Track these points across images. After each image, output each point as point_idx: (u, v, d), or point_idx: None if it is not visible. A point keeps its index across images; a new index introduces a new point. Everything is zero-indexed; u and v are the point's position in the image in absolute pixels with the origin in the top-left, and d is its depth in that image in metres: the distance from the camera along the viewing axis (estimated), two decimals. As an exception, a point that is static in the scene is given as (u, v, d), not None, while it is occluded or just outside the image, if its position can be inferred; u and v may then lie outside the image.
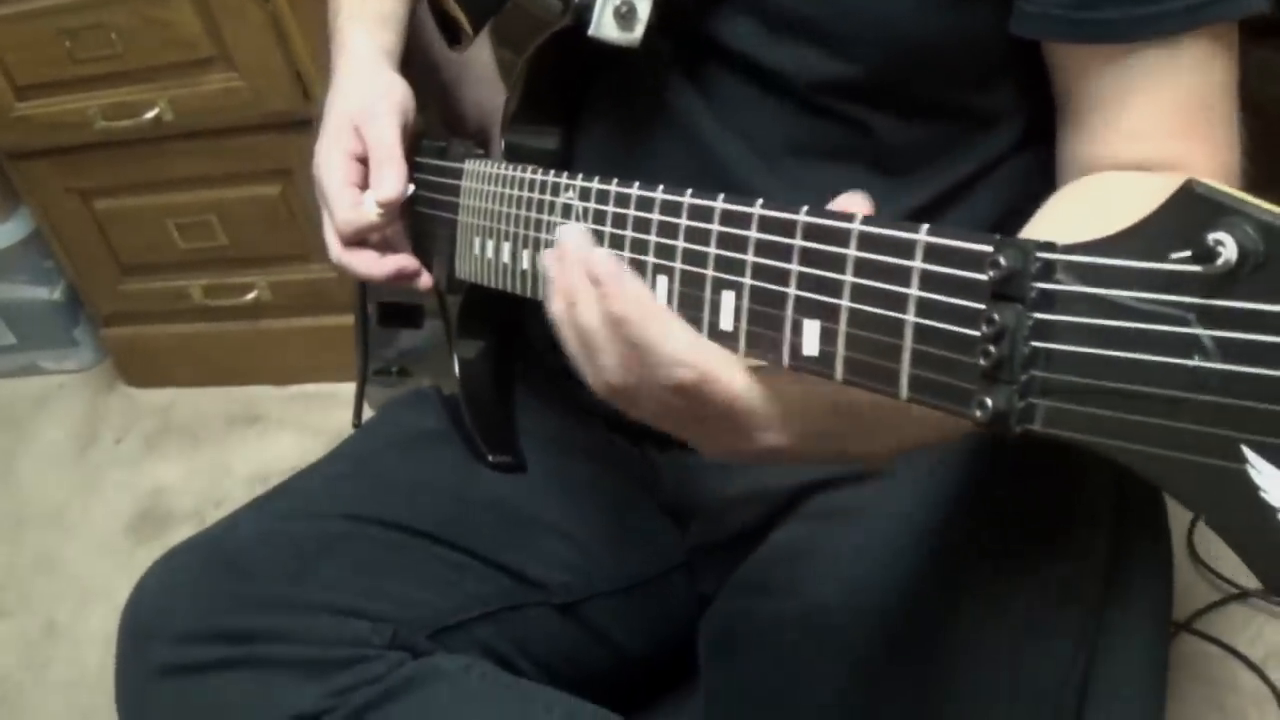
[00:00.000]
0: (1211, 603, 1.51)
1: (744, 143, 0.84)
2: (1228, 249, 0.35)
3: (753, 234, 0.55)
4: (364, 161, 0.94)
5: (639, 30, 0.80)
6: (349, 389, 2.15)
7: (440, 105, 1.03)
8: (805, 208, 0.52)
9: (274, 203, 2.00)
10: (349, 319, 2.11)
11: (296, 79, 1.84)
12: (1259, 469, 0.35)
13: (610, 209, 0.69)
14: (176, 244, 2.09)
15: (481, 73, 0.98)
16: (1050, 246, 0.40)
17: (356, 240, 0.94)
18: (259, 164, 1.96)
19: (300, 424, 2.15)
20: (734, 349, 0.56)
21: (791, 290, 0.52)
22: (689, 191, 0.61)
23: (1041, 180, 0.81)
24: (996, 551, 0.81)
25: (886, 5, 0.76)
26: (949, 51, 0.79)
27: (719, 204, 0.58)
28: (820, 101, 0.81)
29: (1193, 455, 0.36)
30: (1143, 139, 0.77)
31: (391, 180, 0.91)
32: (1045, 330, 0.40)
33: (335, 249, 0.95)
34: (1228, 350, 0.35)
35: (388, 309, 1.16)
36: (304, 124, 1.89)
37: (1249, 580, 1.57)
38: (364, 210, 0.92)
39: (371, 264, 0.94)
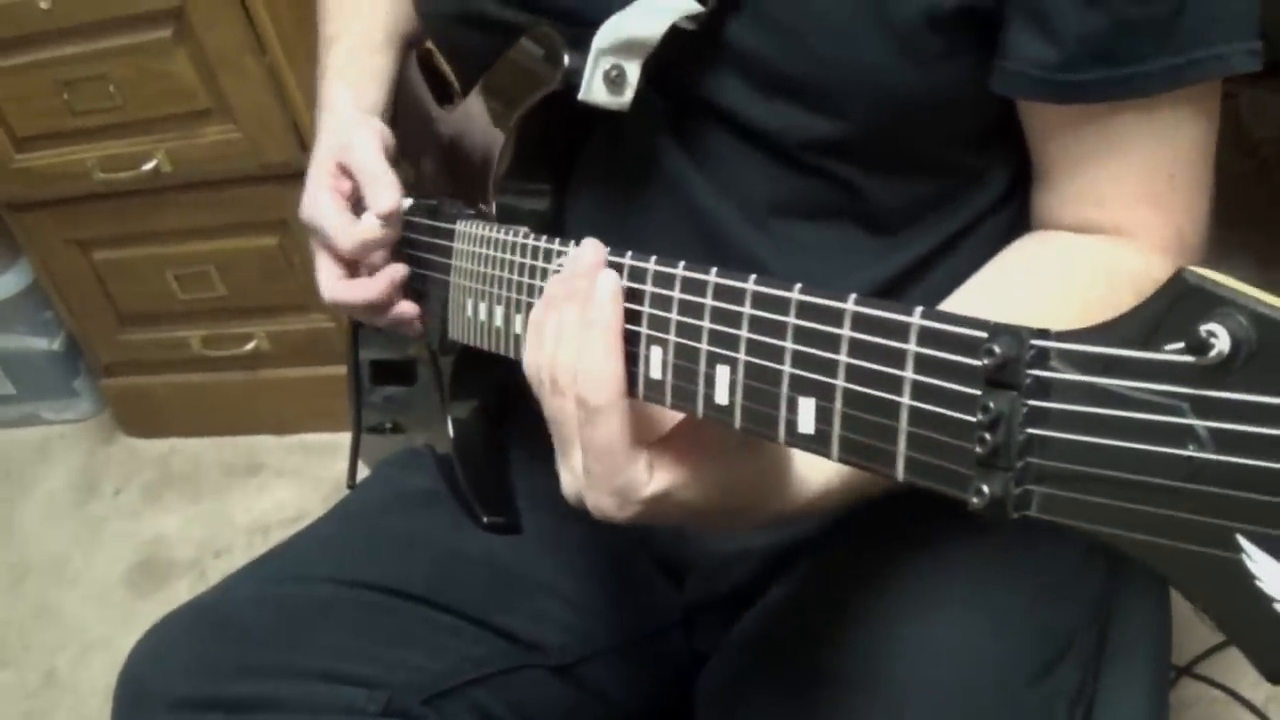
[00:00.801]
0: (1212, 646, 1.50)
1: (734, 202, 0.84)
2: (1220, 340, 0.35)
3: (747, 310, 0.55)
4: (350, 196, 0.94)
5: (629, 95, 0.80)
6: (349, 438, 2.17)
7: (432, 164, 1.04)
8: (798, 285, 0.52)
9: (272, 253, 2.01)
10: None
11: (294, 130, 1.85)
12: (1254, 558, 0.35)
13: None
14: (175, 294, 2.09)
15: (472, 131, 0.98)
16: (1044, 334, 0.40)
17: (361, 258, 0.94)
18: (257, 215, 1.97)
19: (300, 474, 2.15)
20: (730, 423, 0.56)
21: (787, 368, 0.52)
22: (681, 264, 0.60)
23: (1025, 234, 0.82)
24: (994, 605, 0.81)
25: (871, 64, 0.76)
26: (933, 109, 0.79)
27: (712, 278, 0.58)
28: (808, 160, 0.81)
29: (1188, 544, 0.36)
30: (1100, 203, 0.78)
31: (385, 192, 0.91)
32: (1040, 417, 0.40)
33: (329, 285, 0.95)
34: (1222, 441, 0.35)
35: (380, 366, 1.16)
36: (301, 176, 1.88)
37: (1252, 623, 1.56)
38: (365, 225, 0.92)
39: (364, 287, 0.94)
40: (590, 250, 0.62)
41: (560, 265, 0.73)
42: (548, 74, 0.83)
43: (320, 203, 0.94)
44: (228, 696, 0.84)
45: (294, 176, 1.89)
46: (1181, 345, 0.36)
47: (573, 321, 0.61)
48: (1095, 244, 0.78)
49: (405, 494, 0.99)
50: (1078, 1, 0.71)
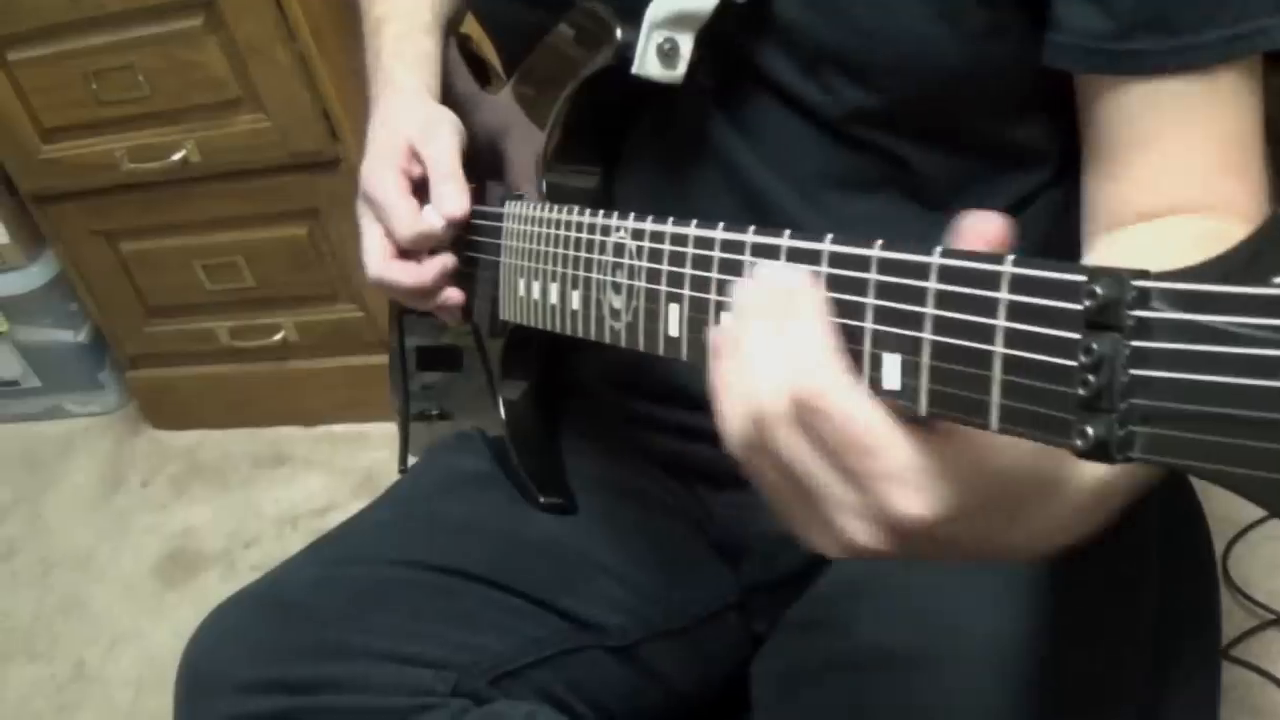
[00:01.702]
0: (1249, 629, 1.50)
1: (782, 176, 0.84)
2: (1328, 275, 0.35)
3: (823, 270, 0.55)
4: (415, 181, 0.94)
5: (682, 68, 0.80)
6: (377, 429, 2.18)
7: (477, 146, 1.04)
8: (879, 241, 0.52)
9: (301, 243, 2.02)
10: (376, 359, 2.13)
11: (324, 119, 1.86)
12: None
13: (667, 248, 0.69)
14: (203, 285, 2.10)
15: (519, 111, 0.98)
16: (1144, 274, 0.40)
17: (412, 250, 0.94)
18: (286, 204, 1.98)
19: (328, 464, 2.15)
20: None
21: (868, 325, 0.52)
22: (751, 229, 0.61)
23: (1077, 216, 0.82)
24: (1061, 584, 0.80)
25: (916, 35, 0.76)
26: (979, 82, 0.79)
27: (785, 241, 0.58)
28: (855, 133, 0.82)
29: (1300, 482, 0.36)
30: (1178, 178, 0.76)
31: (456, 195, 0.91)
32: (1143, 358, 0.40)
33: (377, 263, 0.94)
34: (1334, 375, 0.35)
35: (426, 352, 1.16)
36: (331, 164, 1.91)
37: (1285, 606, 1.56)
38: (429, 218, 0.91)
39: (414, 272, 0.93)
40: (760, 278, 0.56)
41: (621, 238, 0.73)
42: (599, 49, 0.83)
43: (386, 180, 0.93)
44: (294, 678, 0.84)
45: (324, 165, 1.92)
46: (1290, 279, 0.36)
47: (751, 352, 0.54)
48: (1191, 221, 0.75)
49: (459, 476, 0.99)
50: None
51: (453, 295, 0.95)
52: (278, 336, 2.13)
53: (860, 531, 0.52)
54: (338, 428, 2.22)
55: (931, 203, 0.84)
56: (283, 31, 1.77)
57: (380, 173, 0.93)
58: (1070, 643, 0.79)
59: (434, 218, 0.91)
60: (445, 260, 0.94)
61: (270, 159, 1.91)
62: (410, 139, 0.94)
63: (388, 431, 2.18)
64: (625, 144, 0.90)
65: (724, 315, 0.61)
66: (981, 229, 0.49)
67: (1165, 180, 0.77)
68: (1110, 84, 0.76)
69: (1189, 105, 0.75)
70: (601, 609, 0.93)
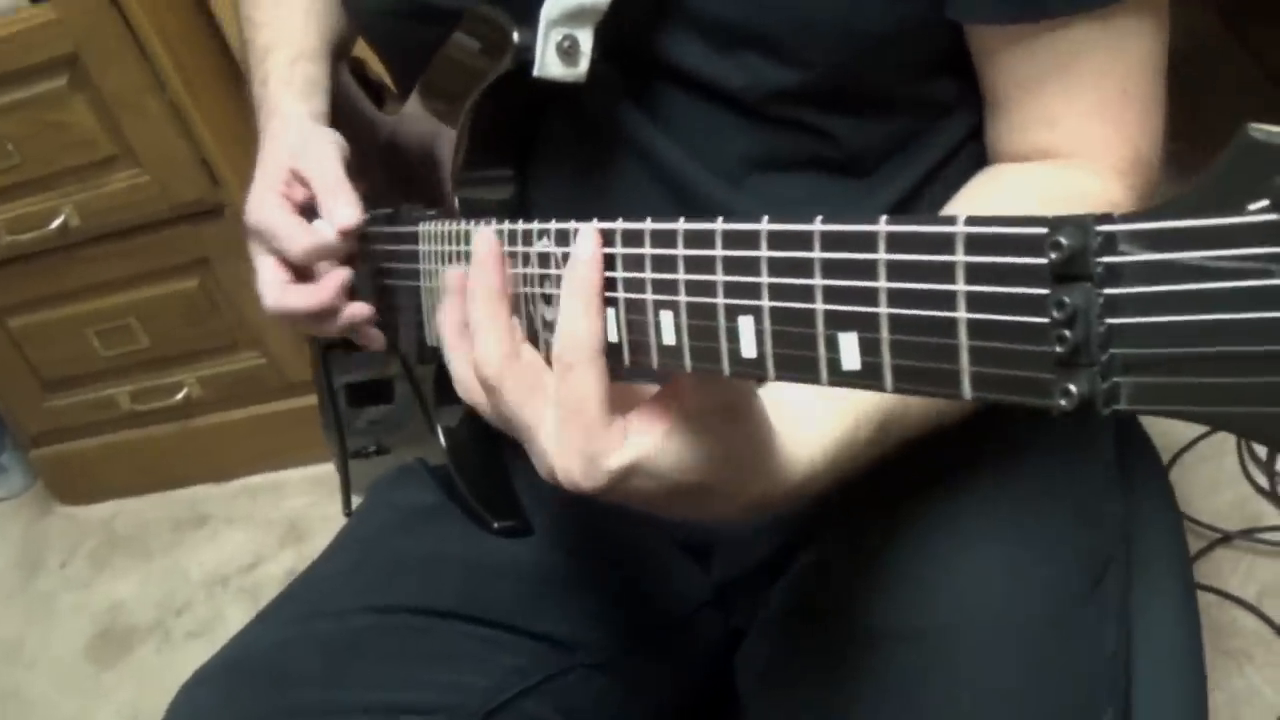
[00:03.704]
0: (1197, 551, 1.52)
1: (705, 163, 0.83)
2: (1309, 192, 0.34)
3: (763, 253, 0.53)
4: (300, 204, 0.91)
5: (584, 64, 0.78)
6: (295, 475, 2.14)
7: (381, 171, 1.01)
8: (819, 217, 0.50)
9: (194, 295, 1.97)
10: (284, 405, 2.10)
11: (203, 166, 1.82)
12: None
13: (594, 249, 0.67)
14: (98, 352, 2.04)
15: (422, 129, 0.96)
16: (1108, 218, 0.39)
17: (312, 264, 0.91)
18: (174, 258, 1.93)
19: (249, 518, 2.11)
20: (763, 375, 0.54)
21: (819, 305, 0.50)
22: (681, 219, 0.59)
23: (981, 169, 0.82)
24: (1032, 532, 0.80)
25: (834, 4, 0.75)
26: (896, 44, 0.78)
27: (719, 226, 0.56)
28: (777, 112, 0.80)
29: (1298, 411, 0.35)
30: (1053, 123, 0.77)
31: (345, 207, 0.88)
32: (1117, 305, 0.39)
33: (274, 293, 0.91)
34: (1320, 295, 0.34)
35: (356, 389, 1.12)
36: (216, 211, 1.87)
37: (1228, 523, 1.59)
38: (319, 231, 0.88)
39: (312, 294, 0.90)
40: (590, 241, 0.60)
41: (545, 245, 0.71)
42: (497, 55, 0.80)
43: (269, 204, 0.90)
44: None
45: (208, 213, 1.87)
46: (1267, 203, 0.35)
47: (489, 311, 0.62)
48: (1046, 171, 0.77)
49: (409, 512, 0.96)
50: None
51: (358, 310, 0.92)
52: (180, 395, 2.08)
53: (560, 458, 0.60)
54: (253, 479, 2.18)
55: (860, 172, 0.83)
56: (151, 81, 1.73)
57: (262, 202, 0.91)
58: (1065, 581, 0.79)
59: (323, 226, 0.88)
60: (341, 274, 0.91)
61: (152, 213, 1.87)
62: (287, 163, 0.92)
63: (306, 477, 2.14)
64: (536, 149, 0.88)
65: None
66: None
67: (1038, 124, 0.78)
68: (1004, 31, 0.76)
69: (1075, 49, 0.75)
70: (577, 626, 0.91)
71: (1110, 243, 0.39)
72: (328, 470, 2.12)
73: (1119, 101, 0.76)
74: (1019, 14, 0.74)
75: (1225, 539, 1.58)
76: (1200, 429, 1.71)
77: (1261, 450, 1.67)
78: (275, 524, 2.07)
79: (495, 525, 0.93)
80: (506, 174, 0.89)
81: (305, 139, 0.93)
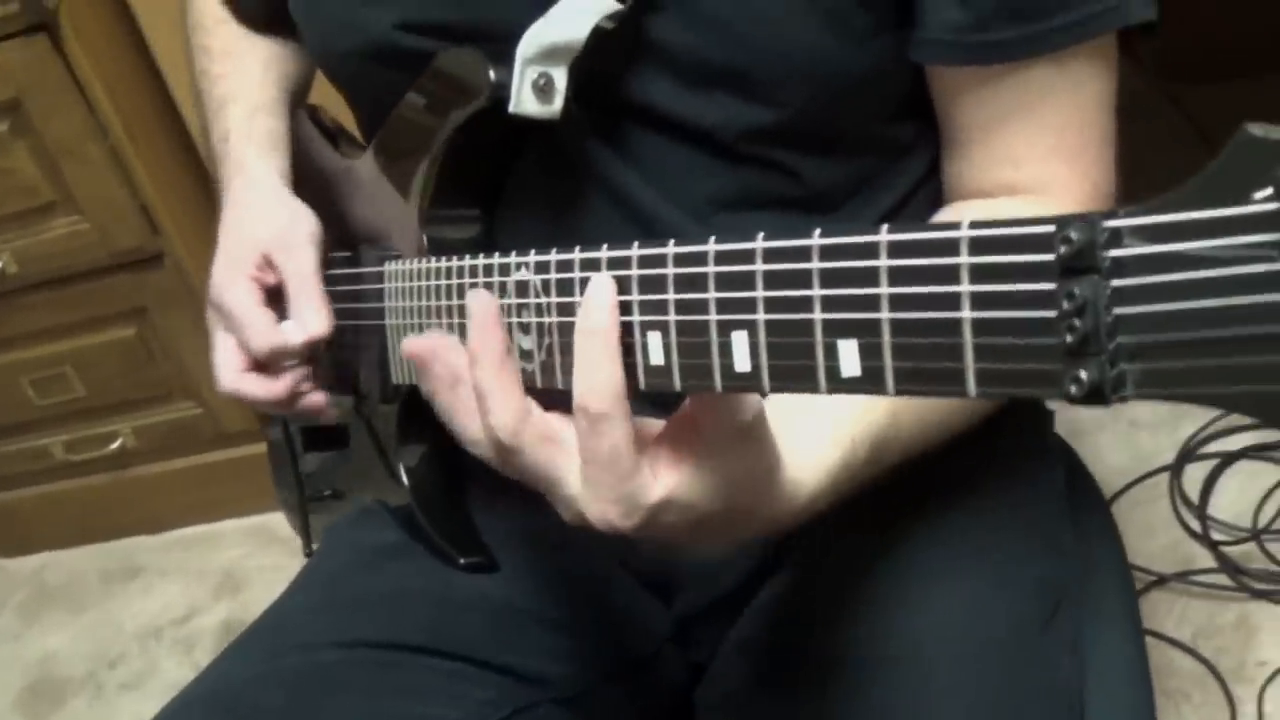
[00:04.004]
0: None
1: (675, 202, 0.84)
2: (1307, 181, 0.36)
3: (759, 267, 0.55)
4: (269, 290, 0.92)
5: (559, 102, 0.80)
6: (229, 527, 2.12)
7: (342, 216, 1.02)
8: (818, 230, 0.52)
9: (131, 344, 1.95)
10: (219, 455, 2.08)
11: (143, 214, 1.81)
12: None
13: (577, 276, 0.68)
14: (32, 401, 2.02)
15: (375, 177, 0.97)
16: (1113, 214, 0.41)
17: (268, 365, 0.91)
18: (112, 307, 1.92)
19: (183, 570, 2.09)
20: (758, 388, 0.55)
21: (818, 315, 0.52)
22: (671, 242, 0.60)
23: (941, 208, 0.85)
24: (993, 561, 0.82)
25: (806, 46, 0.78)
26: (866, 86, 0.81)
27: (711, 247, 0.57)
28: (745, 150, 0.82)
29: (1301, 385, 0.37)
30: (1017, 162, 0.81)
31: (317, 315, 0.89)
32: (1124, 295, 0.41)
33: (231, 376, 0.91)
34: (1321, 279, 0.36)
35: (312, 433, 1.12)
36: (155, 260, 1.86)
37: (1162, 565, 1.62)
38: (287, 333, 0.89)
39: (269, 386, 0.91)
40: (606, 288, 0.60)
41: (524, 275, 0.72)
42: (472, 91, 0.82)
43: (239, 288, 0.90)
44: None
45: (147, 261, 1.86)
46: (1270, 192, 0.37)
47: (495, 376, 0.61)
48: (1014, 205, 0.80)
49: (372, 550, 0.96)
50: None
51: (314, 401, 0.93)
52: (115, 445, 2.06)
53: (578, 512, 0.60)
54: (188, 531, 2.16)
55: (824, 209, 0.85)
56: (93, 128, 1.73)
57: (232, 282, 0.91)
58: (1025, 609, 0.81)
59: (293, 333, 0.89)
60: (300, 373, 0.91)
61: (91, 261, 1.85)
62: (265, 248, 0.91)
63: (241, 528, 2.12)
64: (506, 187, 0.89)
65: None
66: None
67: (1001, 163, 0.81)
68: (966, 74, 0.79)
69: (1035, 91, 0.78)
70: (543, 661, 0.91)
71: (1116, 237, 0.41)
72: (263, 521, 2.11)
73: (1077, 141, 0.80)
74: (978, 57, 0.77)
75: (1160, 581, 1.61)
76: (1132, 475, 1.75)
77: (1194, 494, 1.71)
78: (209, 575, 2.05)
79: (462, 561, 0.93)
80: (475, 212, 0.90)
81: (286, 227, 0.93)
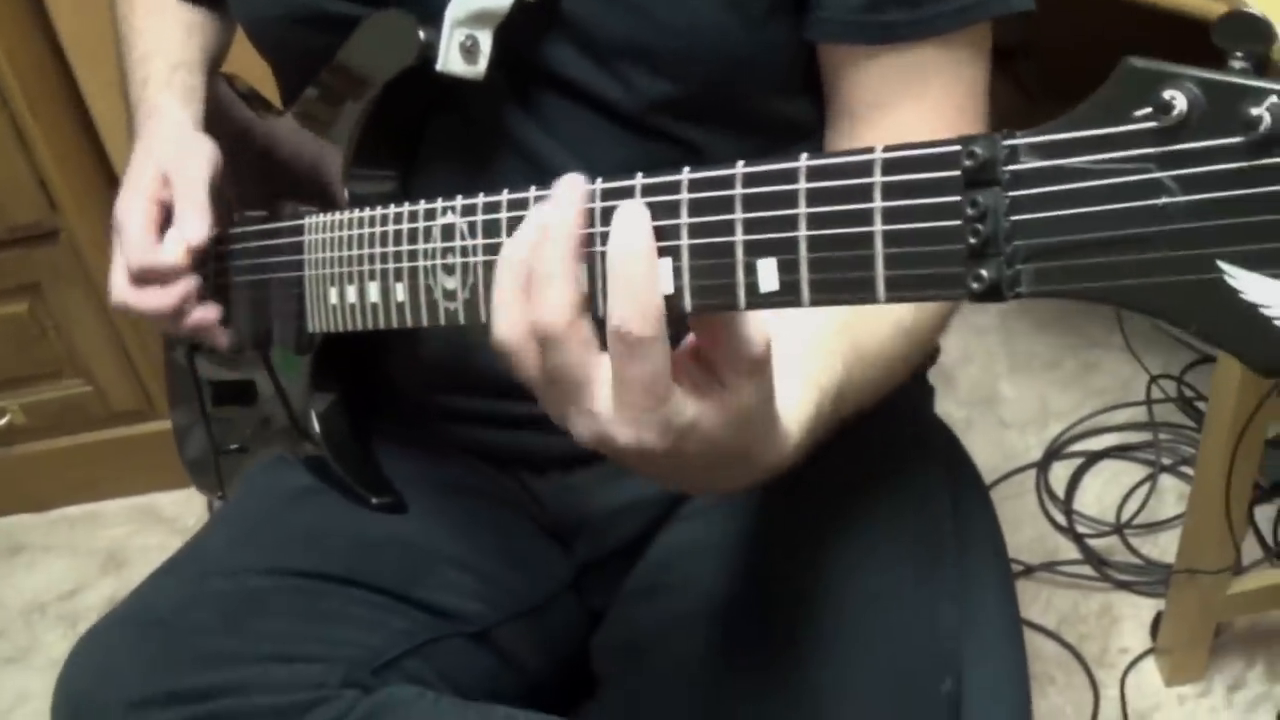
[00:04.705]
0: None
1: (584, 167, 0.88)
2: (1180, 102, 0.42)
3: (684, 196, 0.59)
4: (167, 207, 0.95)
5: (483, 64, 0.84)
6: (114, 506, 2.12)
7: (258, 174, 1.04)
8: (741, 162, 0.57)
9: (22, 320, 1.93)
10: (108, 434, 2.08)
11: (41, 188, 1.80)
12: (1232, 275, 0.42)
13: (504, 216, 0.72)
14: (-81, 374, 1.98)
15: (295, 134, 1.00)
16: (1012, 134, 0.47)
17: (146, 280, 0.95)
18: (4, 282, 1.90)
19: (69, 547, 2.07)
20: (680, 307, 0.59)
21: (738, 238, 0.56)
22: (599, 179, 0.64)
23: None
24: (873, 516, 0.87)
25: (708, 24, 0.82)
26: (764, 64, 0.86)
27: (639, 181, 0.62)
28: (651, 123, 0.87)
29: (1172, 277, 0.43)
30: (905, 137, 0.85)
31: (196, 222, 0.93)
32: (1020, 205, 0.46)
33: (120, 288, 0.96)
34: (1188, 183, 0.42)
35: (221, 387, 1.15)
36: (51, 235, 1.85)
37: (1029, 556, 1.70)
38: (164, 250, 0.93)
39: (156, 296, 0.95)
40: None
41: (451, 219, 0.75)
42: (402, 51, 0.86)
43: (133, 208, 0.95)
44: (188, 688, 0.84)
45: (43, 237, 1.85)
46: (1149, 110, 0.43)
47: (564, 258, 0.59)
48: None
49: (290, 492, 1.00)
50: None
51: (205, 314, 0.97)
52: (2, 421, 2.03)
53: (628, 427, 0.58)
54: (72, 509, 2.14)
55: None
56: (-7, 100, 1.71)
57: (129, 201, 0.95)
58: (886, 564, 0.87)
59: (170, 246, 0.93)
60: (188, 284, 0.95)
61: (-15, 234, 1.83)
62: (163, 167, 0.96)
63: (125, 508, 2.12)
64: (422, 145, 0.93)
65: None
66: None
67: (889, 138, 0.85)
68: (859, 53, 0.84)
69: (926, 72, 0.84)
70: (454, 597, 0.95)
71: (1014, 153, 0.47)
72: (147, 501, 2.11)
73: (957, 118, 0.85)
74: (872, 37, 0.83)
75: (1027, 571, 1.69)
76: (1001, 472, 1.83)
77: (1060, 488, 1.80)
78: (95, 553, 2.03)
79: (374, 501, 0.97)
80: (393, 170, 0.94)
81: (182, 146, 0.97)
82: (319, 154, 0.96)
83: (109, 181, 1.91)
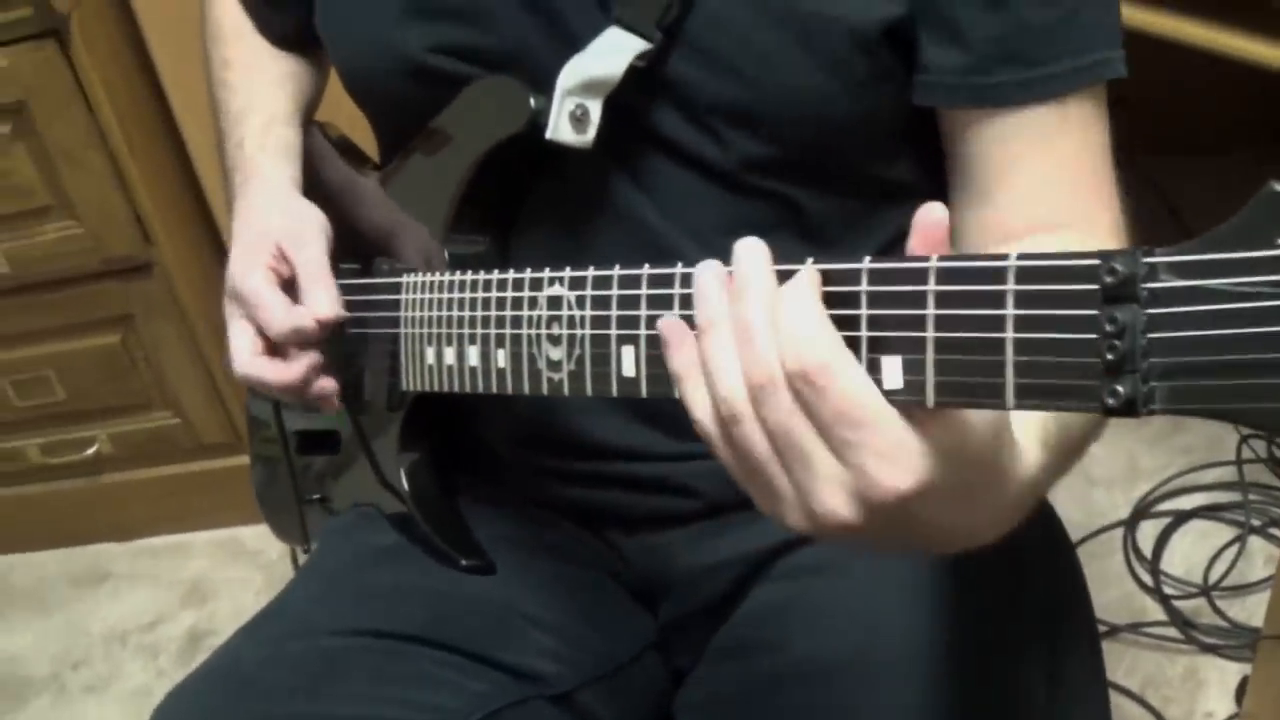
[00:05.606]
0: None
1: (684, 227, 0.89)
2: (1321, 232, 0.42)
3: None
4: (284, 279, 0.96)
5: (592, 132, 0.85)
6: (199, 538, 2.14)
7: (354, 229, 1.05)
8: (868, 257, 0.57)
9: (114, 352, 1.97)
10: (194, 466, 2.11)
11: (137, 223, 1.84)
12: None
13: (615, 293, 0.72)
14: (12, 403, 2.03)
15: (395, 192, 1.01)
16: (1151, 251, 0.47)
17: (289, 345, 0.95)
18: (98, 313, 1.94)
19: (152, 577, 2.10)
20: None
21: (863, 333, 0.57)
22: (715, 263, 0.64)
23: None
24: (964, 577, 0.86)
25: (804, 87, 0.83)
26: (862, 126, 0.86)
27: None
28: (749, 181, 0.87)
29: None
30: (1039, 200, 0.84)
31: (328, 299, 0.93)
32: (1158, 323, 0.46)
33: (246, 359, 0.95)
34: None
35: (306, 437, 1.16)
36: (145, 269, 1.89)
37: (1115, 617, 1.67)
38: (303, 316, 0.93)
39: (282, 370, 0.95)
40: (757, 252, 0.60)
41: (558, 290, 0.76)
42: (512, 116, 0.86)
43: (256, 277, 0.94)
44: None
45: (137, 270, 1.89)
46: (1289, 240, 0.43)
47: (756, 320, 0.57)
48: (1056, 240, 0.81)
49: (372, 549, 1.00)
50: (982, 7, 0.79)
51: (325, 385, 0.97)
52: (91, 450, 2.07)
53: (837, 503, 0.56)
54: (157, 540, 2.17)
55: (822, 240, 0.89)
56: (94, 136, 1.75)
57: (250, 270, 0.95)
58: (977, 632, 0.86)
59: (307, 315, 0.93)
60: (312, 357, 0.95)
61: (81, 266, 1.87)
62: (278, 239, 0.96)
63: (209, 540, 2.14)
64: (523, 209, 0.93)
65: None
66: (926, 221, 0.56)
67: (1027, 202, 0.84)
68: (973, 116, 0.83)
69: (1045, 132, 0.83)
70: (536, 659, 0.94)
71: (1154, 271, 0.46)
72: (231, 535, 2.13)
73: (1093, 177, 0.84)
74: (980, 99, 0.82)
75: (1112, 632, 1.67)
76: (1087, 529, 1.81)
77: (1147, 548, 1.77)
78: (177, 584, 2.06)
79: (464, 562, 0.97)
80: (493, 232, 0.94)
81: (297, 222, 0.97)
82: (417, 213, 0.97)
83: (203, 217, 1.95)
